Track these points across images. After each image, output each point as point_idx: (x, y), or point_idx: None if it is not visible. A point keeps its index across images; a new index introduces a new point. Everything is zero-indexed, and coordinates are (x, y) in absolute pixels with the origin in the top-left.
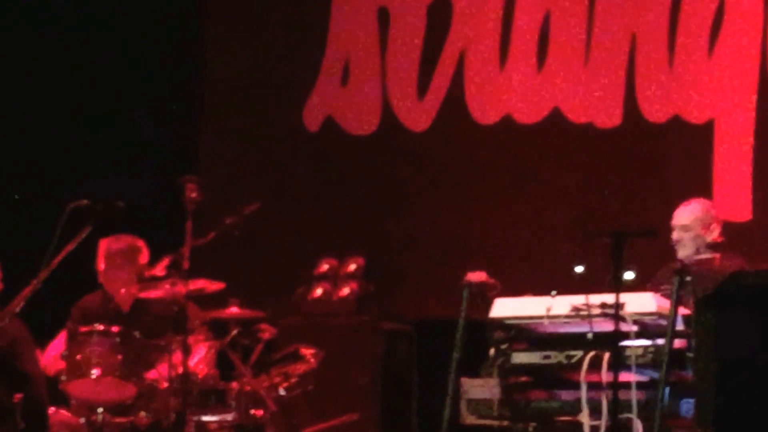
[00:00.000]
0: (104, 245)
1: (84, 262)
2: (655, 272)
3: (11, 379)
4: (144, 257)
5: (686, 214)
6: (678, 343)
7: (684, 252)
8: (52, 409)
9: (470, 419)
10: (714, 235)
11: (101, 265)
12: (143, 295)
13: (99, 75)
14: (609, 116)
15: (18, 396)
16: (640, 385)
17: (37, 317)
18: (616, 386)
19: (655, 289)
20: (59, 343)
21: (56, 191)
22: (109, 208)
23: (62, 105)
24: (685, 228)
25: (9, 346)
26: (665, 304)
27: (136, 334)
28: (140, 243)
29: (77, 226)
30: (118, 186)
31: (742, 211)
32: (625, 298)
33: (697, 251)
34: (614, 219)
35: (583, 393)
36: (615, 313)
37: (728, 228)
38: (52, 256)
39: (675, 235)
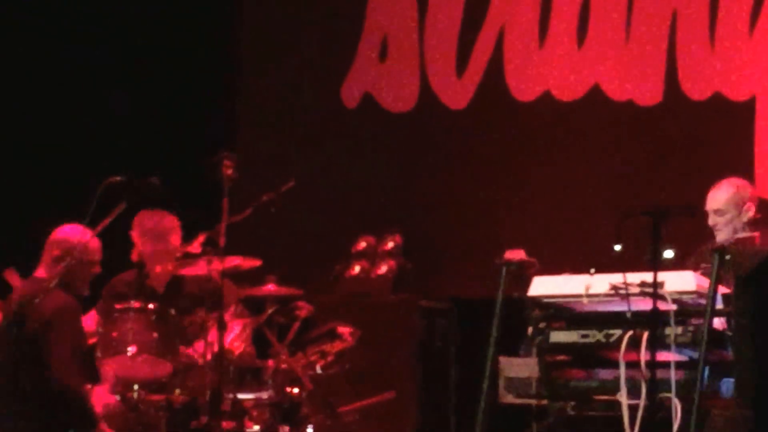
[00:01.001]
0: (139, 222)
1: (119, 238)
2: (694, 251)
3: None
4: (178, 234)
5: (718, 197)
6: (717, 322)
7: (721, 237)
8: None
9: (508, 398)
10: (750, 214)
11: (136, 242)
12: (179, 272)
13: (137, 51)
14: (649, 93)
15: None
16: (679, 365)
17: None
18: (655, 366)
19: (694, 267)
20: (89, 322)
21: (92, 167)
22: (144, 184)
23: (100, 80)
24: (718, 212)
25: (42, 329)
26: (705, 283)
27: (172, 311)
28: (175, 220)
29: (112, 202)
30: (154, 162)
31: None
32: (665, 276)
33: (735, 232)
34: (654, 197)
35: (622, 372)
36: (654, 291)
37: None
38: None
39: (710, 221)
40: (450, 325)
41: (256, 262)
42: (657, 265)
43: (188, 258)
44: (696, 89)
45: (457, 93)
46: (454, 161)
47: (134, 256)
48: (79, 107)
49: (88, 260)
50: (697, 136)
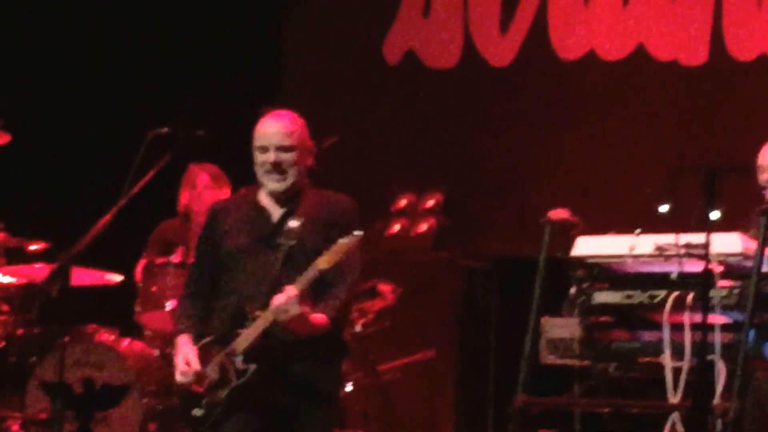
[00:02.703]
0: (188, 174)
1: (165, 189)
2: (741, 212)
3: None
4: (226, 190)
5: None
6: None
7: None
8: (126, 340)
9: (550, 359)
10: None
11: (183, 194)
12: None
13: (181, 6)
14: (694, 54)
15: None
16: (724, 327)
17: (116, 245)
18: (701, 327)
19: (745, 230)
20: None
21: (138, 119)
22: (190, 136)
23: (146, 34)
24: None
25: None
26: (751, 245)
27: None
28: (223, 174)
29: (159, 154)
30: (198, 117)
31: None
32: (711, 238)
33: None
34: (698, 157)
35: (666, 334)
36: (705, 252)
37: None
38: (132, 184)
39: (765, 176)
40: (490, 284)
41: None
42: (708, 224)
43: None
44: (742, 49)
45: (500, 50)
46: (497, 119)
47: (180, 208)
48: (126, 61)
49: None
50: (743, 96)
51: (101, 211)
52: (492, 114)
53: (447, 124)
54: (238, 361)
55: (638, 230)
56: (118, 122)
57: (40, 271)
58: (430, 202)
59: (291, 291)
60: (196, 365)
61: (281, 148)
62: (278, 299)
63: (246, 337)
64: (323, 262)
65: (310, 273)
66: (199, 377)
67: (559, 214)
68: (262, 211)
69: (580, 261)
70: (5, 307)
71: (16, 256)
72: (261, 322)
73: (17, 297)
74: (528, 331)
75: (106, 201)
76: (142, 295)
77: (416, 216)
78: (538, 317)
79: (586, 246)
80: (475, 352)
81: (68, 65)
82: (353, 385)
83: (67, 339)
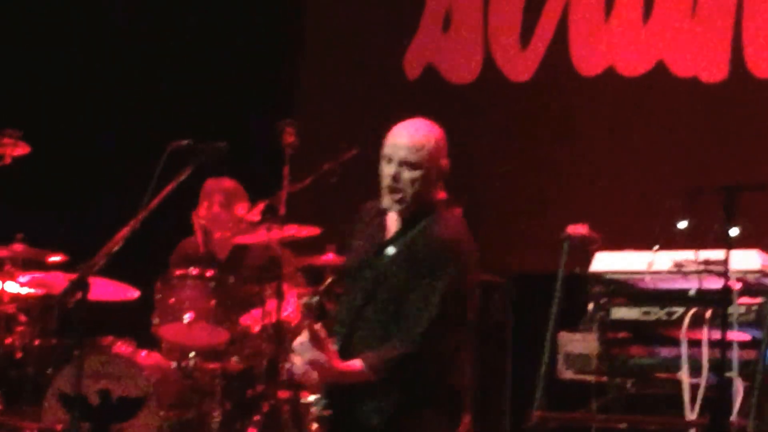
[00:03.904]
0: (207, 187)
1: (184, 202)
2: (760, 229)
3: None
4: (244, 203)
5: None
6: None
7: None
8: (143, 352)
9: (567, 374)
10: None
11: (202, 207)
12: (238, 240)
13: (200, 18)
14: (714, 70)
15: None
16: (742, 344)
17: (135, 258)
18: (719, 344)
19: (764, 247)
20: None
21: (159, 132)
22: (210, 148)
23: (169, 49)
24: None
25: None
26: None
27: (231, 279)
28: (241, 188)
29: (178, 166)
30: (216, 129)
31: None
32: (730, 254)
33: None
34: (717, 175)
35: (684, 350)
36: (724, 269)
37: None
38: (151, 197)
39: None
40: (507, 299)
41: (316, 231)
42: (728, 242)
43: (248, 226)
44: (762, 66)
45: (520, 65)
46: (516, 134)
47: (199, 221)
48: (147, 75)
49: None
50: (763, 113)
51: (120, 224)
52: (511, 129)
53: (466, 139)
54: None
55: (657, 246)
56: (138, 134)
57: (58, 282)
58: None
59: (304, 335)
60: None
61: (405, 164)
62: (296, 341)
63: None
64: (306, 321)
65: (308, 327)
66: None
67: (577, 229)
68: (381, 230)
69: (599, 277)
70: (23, 318)
71: (34, 268)
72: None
73: (35, 308)
74: (545, 346)
75: (126, 213)
76: (160, 307)
77: None
78: (555, 332)
79: (604, 262)
80: (491, 367)
81: (88, 77)
82: None
83: (84, 350)
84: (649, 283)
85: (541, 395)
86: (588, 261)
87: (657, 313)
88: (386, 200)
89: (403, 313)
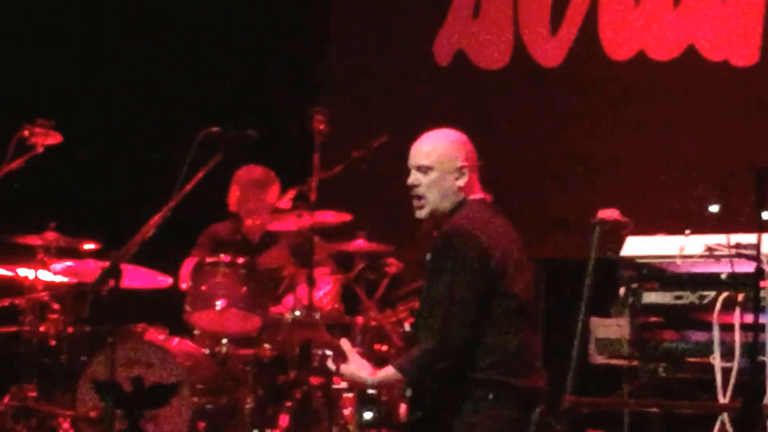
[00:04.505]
0: (240, 174)
1: (214, 190)
2: None
3: None
4: (275, 190)
5: None
6: None
7: None
8: (176, 340)
9: (599, 359)
10: None
11: (233, 194)
12: (269, 227)
13: (231, 6)
14: (745, 54)
15: None
16: None
17: (166, 245)
18: (751, 328)
19: None
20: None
21: (188, 119)
22: (241, 136)
23: (197, 34)
24: None
25: None
26: None
27: (261, 265)
28: (274, 175)
29: (209, 153)
30: (247, 117)
31: None
32: (762, 238)
33: None
34: (748, 158)
35: (716, 334)
36: (756, 253)
37: None
38: (182, 184)
39: None
40: (538, 284)
41: (346, 218)
42: (760, 225)
43: (279, 213)
44: None
45: (550, 51)
46: (546, 119)
47: (231, 208)
48: (177, 62)
49: None
50: None
51: (152, 211)
52: (541, 114)
53: (496, 124)
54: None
55: (688, 230)
56: (169, 122)
57: (91, 270)
58: None
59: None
60: None
61: (419, 169)
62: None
63: None
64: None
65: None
66: None
67: (608, 214)
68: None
69: (630, 261)
70: (56, 306)
71: (68, 256)
72: None
73: (68, 296)
74: (576, 331)
75: (158, 201)
76: (192, 294)
77: None
78: (586, 317)
79: (635, 246)
80: None
81: (120, 65)
82: None
83: (117, 338)
84: (681, 267)
85: (573, 380)
86: (619, 245)
87: (689, 297)
88: (416, 211)
89: (422, 312)
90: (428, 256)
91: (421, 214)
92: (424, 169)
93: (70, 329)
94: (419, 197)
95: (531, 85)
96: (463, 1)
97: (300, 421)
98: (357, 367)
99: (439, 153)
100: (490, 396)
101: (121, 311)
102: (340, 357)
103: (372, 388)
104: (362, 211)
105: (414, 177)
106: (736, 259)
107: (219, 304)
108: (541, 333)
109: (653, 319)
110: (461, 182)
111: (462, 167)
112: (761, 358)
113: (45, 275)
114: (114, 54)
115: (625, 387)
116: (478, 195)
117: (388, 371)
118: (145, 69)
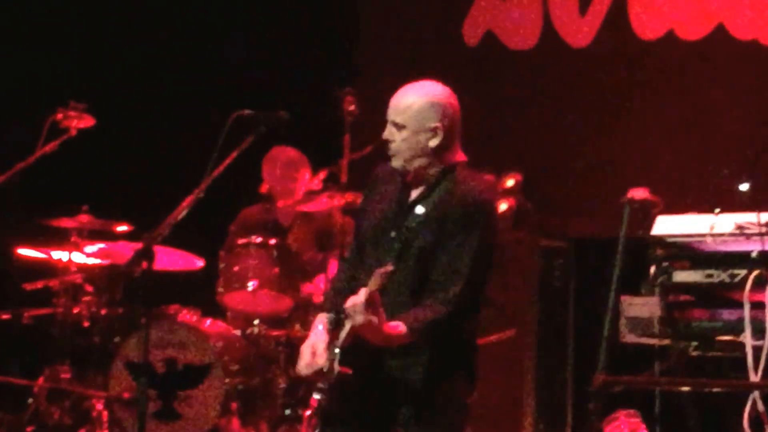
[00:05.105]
0: (272, 156)
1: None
2: None
3: None
4: (306, 171)
5: None
6: None
7: None
8: (208, 321)
9: (630, 337)
10: None
11: (265, 176)
12: (300, 208)
13: None
14: None
15: None
16: None
17: (198, 227)
18: None
19: None
20: None
21: (220, 101)
22: (272, 117)
23: (228, 17)
24: None
25: None
26: None
27: (293, 246)
28: (305, 158)
29: (241, 135)
30: (278, 99)
31: None
32: None
33: None
34: None
35: (746, 313)
36: None
37: None
38: (214, 166)
39: None
40: (569, 263)
41: None
42: None
43: (310, 194)
44: None
45: (579, 31)
46: (576, 99)
47: (263, 189)
48: (208, 44)
49: None
50: None
51: (185, 193)
52: (571, 94)
53: (526, 105)
54: (335, 357)
55: (718, 209)
56: (201, 104)
57: (124, 252)
58: (510, 182)
59: (359, 297)
60: (321, 360)
61: (393, 124)
62: (348, 302)
63: (345, 331)
64: (372, 284)
65: (368, 291)
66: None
67: (638, 193)
68: (404, 189)
69: (660, 240)
70: (90, 288)
71: (101, 238)
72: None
73: (102, 278)
74: (607, 310)
75: (190, 182)
76: (224, 275)
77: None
78: (617, 296)
79: (665, 225)
80: (554, 332)
81: (152, 48)
82: None
83: (150, 319)
84: (711, 245)
85: (604, 359)
86: (649, 224)
87: (719, 275)
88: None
89: (435, 273)
90: (442, 213)
91: (397, 165)
92: (399, 126)
93: (103, 311)
94: (391, 150)
95: (560, 65)
96: None
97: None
98: (378, 320)
99: (414, 111)
100: (474, 372)
101: (154, 293)
102: (369, 305)
103: (382, 344)
104: None
105: (388, 131)
106: (766, 237)
107: (251, 284)
108: (572, 312)
109: (683, 297)
110: (434, 143)
111: (436, 128)
112: None
113: (78, 257)
114: (147, 36)
115: (656, 366)
116: (461, 157)
117: (400, 329)
118: (178, 51)
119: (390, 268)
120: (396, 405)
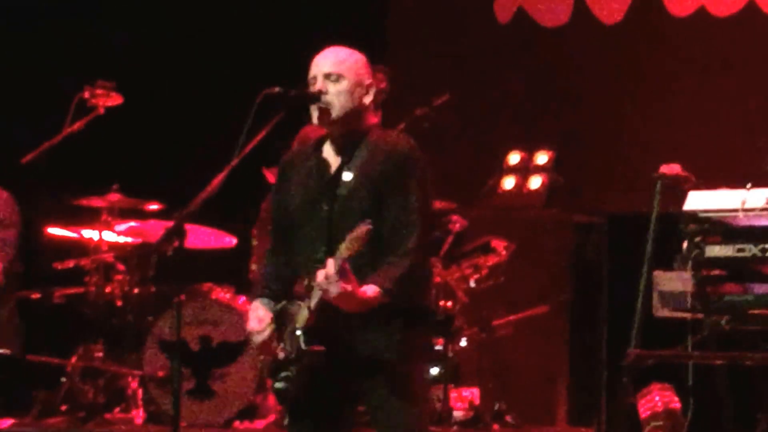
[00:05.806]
0: (303, 134)
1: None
2: None
3: None
4: None
5: None
6: None
7: None
8: (242, 298)
9: (663, 312)
10: None
11: None
12: None
13: None
14: None
15: None
16: None
17: (230, 205)
18: None
19: None
20: None
21: (249, 79)
22: (302, 95)
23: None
24: None
25: None
26: None
27: None
28: None
29: (271, 113)
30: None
31: None
32: None
33: None
34: None
35: None
36: None
37: None
38: (244, 144)
39: None
40: (602, 239)
41: None
42: None
43: None
44: None
45: (611, 7)
46: (607, 76)
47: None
48: (236, 21)
49: None
50: None
51: (215, 171)
52: (603, 71)
53: (558, 82)
54: (300, 339)
55: (750, 184)
56: (230, 81)
57: (155, 230)
58: (542, 159)
59: (329, 268)
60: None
61: (328, 77)
62: (319, 276)
63: (304, 311)
64: (345, 250)
65: (339, 258)
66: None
67: (671, 169)
68: (322, 163)
69: (692, 215)
70: (121, 267)
71: (131, 217)
72: (314, 295)
73: (133, 256)
74: (641, 285)
75: (220, 161)
76: (257, 253)
77: (528, 173)
78: (650, 271)
79: (698, 200)
80: (587, 307)
81: (181, 25)
82: (467, 340)
83: (183, 297)
84: (743, 220)
85: (638, 333)
86: (681, 200)
87: (751, 250)
88: (316, 119)
89: (387, 230)
90: (373, 173)
91: (324, 124)
92: (335, 77)
93: (135, 290)
94: (325, 105)
95: (591, 42)
96: None
97: None
98: (352, 287)
99: (352, 63)
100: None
101: (186, 271)
102: (341, 274)
103: (357, 310)
104: None
105: (321, 84)
106: None
107: None
108: (605, 288)
109: (716, 272)
110: (367, 100)
111: (370, 84)
112: None
113: (109, 236)
114: (176, 14)
115: (689, 339)
116: (375, 119)
117: (374, 292)
118: (207, 27)
119: (368, 227)
120: (366, 382)
